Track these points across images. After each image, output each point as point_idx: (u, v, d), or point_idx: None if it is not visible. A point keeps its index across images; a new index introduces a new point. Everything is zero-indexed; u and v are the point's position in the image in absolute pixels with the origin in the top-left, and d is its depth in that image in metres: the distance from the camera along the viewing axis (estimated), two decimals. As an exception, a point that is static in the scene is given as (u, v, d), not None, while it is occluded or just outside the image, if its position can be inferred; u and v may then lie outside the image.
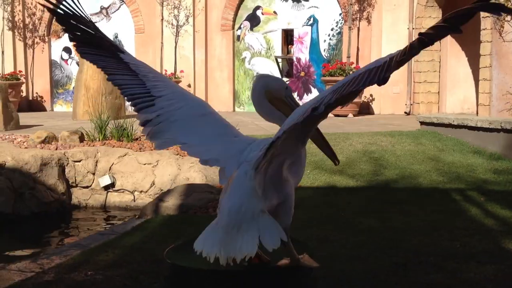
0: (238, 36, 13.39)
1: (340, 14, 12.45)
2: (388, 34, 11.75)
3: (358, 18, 12.11)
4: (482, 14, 9.18)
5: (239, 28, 13.35)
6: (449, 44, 11.53)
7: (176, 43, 12.82)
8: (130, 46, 14.18)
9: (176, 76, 12.62)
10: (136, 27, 13.88)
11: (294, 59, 12.99)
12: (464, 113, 10.87)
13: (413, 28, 11.41)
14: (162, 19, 13.03)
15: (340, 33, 12.52)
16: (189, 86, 13.07)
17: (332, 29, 12.67)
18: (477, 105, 9.58)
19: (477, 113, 9.55)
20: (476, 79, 10.16)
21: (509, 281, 2.86)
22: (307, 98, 12.88)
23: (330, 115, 10.99)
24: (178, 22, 12.80)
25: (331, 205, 4.57)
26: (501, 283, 2.82)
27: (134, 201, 5.98)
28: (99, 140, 6.82)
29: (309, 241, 3.51)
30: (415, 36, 11.31)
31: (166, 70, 12.63)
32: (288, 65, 13.29)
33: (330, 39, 12.70)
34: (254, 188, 1.82)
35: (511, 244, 3.44)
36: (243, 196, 1.82)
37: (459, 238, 3.56)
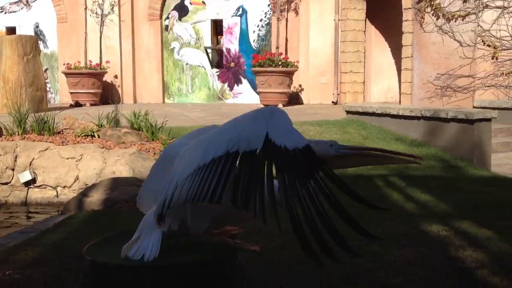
0: (167, 26, 13.17)
1: (269, 5, 12.51)
2: (316, 25, 11.94)
3: (286, 9, 12.22)
4: (404, 5, 9.52)
5: (167, 18, 13.13)
6: (373, 35, 11.87)
7: (101, 32, 12.42)
8: (52, 36, 13.62)
9: (102, 67, 12.25)
10: (59, 16, 13.33)
11: (224, 49, 12.94)
12: (388, 102, 11.26)
13: (339, 20, 11.64)
14: (86, 8, 12.58)
15: (269, 24, 12.58)
16: (115, 77, 12.73)
17: (261, 20, 12.72)
18: (400, 94, 9.96)
19: (400, 101, 9.93)
20: (399, 69, 10.54)
21: (428, 262, 2.97)
22: (237, 88, 12.89)
23: (260, 105, 11.06)
24: (102, 11, 12.39)
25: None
26: (420, 264, 2.93)
27: (57, 197, 5.76)
28: (18, 134, 6.50)
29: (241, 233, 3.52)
30: (341, 27, 11.58)
31: (90, 61, 12.23)
32: (218, 55, 13.22)
33: (259, 30, 12.73)
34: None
35: (430, 227, 3.58)
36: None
37: (381, 222, 3.66)
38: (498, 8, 8.24)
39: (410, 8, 9.34)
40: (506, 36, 8.24)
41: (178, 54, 13.13)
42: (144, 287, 1.84)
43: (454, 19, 8.51)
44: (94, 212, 4.27)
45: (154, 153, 5.74)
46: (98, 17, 12.43)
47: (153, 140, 6.32)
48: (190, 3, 12.99)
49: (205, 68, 13.08)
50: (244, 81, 12.82)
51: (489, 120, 5.99)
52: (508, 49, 8.25)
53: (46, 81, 12.63)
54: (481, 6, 8.28)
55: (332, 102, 11.82)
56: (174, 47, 13.12)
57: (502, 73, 8.27)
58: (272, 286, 2.74)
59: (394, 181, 4.96)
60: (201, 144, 1.65)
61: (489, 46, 8.30)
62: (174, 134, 6.64)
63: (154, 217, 1.75)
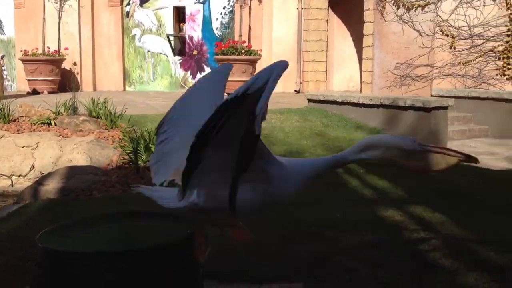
0: (128, 13, 12.93)
1: (232, -8, 12.43)
2: (279, 13, 11.93)
3: (249, -3, 12.16)
4: (365, -5, 9.60)
5: (128, 4, 12.89)
6: (335, 24, 11.95)
7: (59, 19, 12.09)
8: (9, 22, 13.20)
9: (60, 53, 11.95)
10: (16, 1, 12.92)
11: (187, 37, 12.80)
12: (349, 91, 11.38)
13: (302, 8, 11.67)
14: (44, -7, 12.23)
15: (232, 12, 12.51)
16: (74, 64, 12.45)
17: (224, 8, 12.62)
18: (361, 82, 10.07)
19: (360, 90, 10.05)
20: (360, 58, 10.65)
21: (384, 246, 3.03)
22: (200, 76, 12.78)
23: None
24: (61, -4, 12.08)
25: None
26: (378, 248, 2.99)
27: (12, 186, 5.61)
28: (-29, 122, 6.30)
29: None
30: (304, 16, 11.61)
31: (49, 48, 11.91)
32: (180, 43, 13.08)
33: (222, 17, 12.65)
34: None
35: (387, 212, 3.65)
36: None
37: (340, 208, 3.72)
38: (456, -2, 8.42)
39: (371, -3, 9.43)
40: (463, 26, 8.42)
41: (140, 41, 12.93)
42: (98, 274, 1.81)
43: (414, 9, 8.65)
44: (50, 201, 4.18)
45: (113, 141, 5.66)
46: (56, 3, 12.09)
47: (112, 128, 6.22)
48: (152, -11, 12.79)
49: (167, 56, 12.92)
50: (207, 69, 12.73)
51: (445, 108, 6.13)
52: (465, 39, 8.44)
53: (3, 68, 12.27)
54: (439, -4, 8.43)
55: (295, 90, 11.88)
56: (135, 34, 12.91)
57: (459, 63, 8.46)
58: (236, 271, 2.74)
59: (353, 168, 5.03)
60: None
61: (447, 35, 8.48)
62: (134, 122, 6.56)
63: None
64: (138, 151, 5.02)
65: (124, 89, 12.94)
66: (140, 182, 4.63)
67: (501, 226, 3.35)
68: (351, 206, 3.80)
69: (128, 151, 5.09)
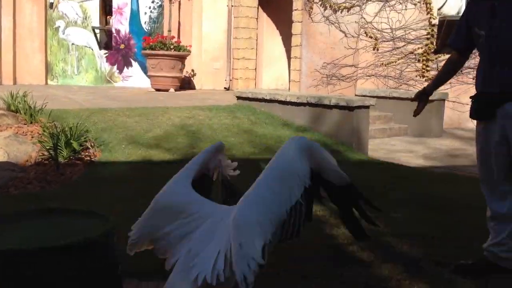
0: (51, 4, 12.42)
1: (161, -13, 12.26)
2: (209, 10, 11.89)
3: (178, -8, 12.04)
4: (293, -5, 9.75)
5: (52, -5, 12.40)
6: (265, 23, 12.06)
7: (-24, 7, 11.46)
8: None
9: (-22, 44, 11.32)
10: None
11: (113, 30, 12.48)
12: (278, 89, 11.53)
13: (232, 5, 11.69)
14: (-41, -21, 11.53)
15: (161, 6, 12.33)
16: (-7, 56, 11.83)
17: (153, 2, 12.42)
18: (289, 81, 10.23)
19: (289, 88, 10.21)
20: (289, 57, 10.81)
21: (306, 240, 3.10)
22: (127, 71, 12.53)
23: (151, 89, 10.84)
24: (-22, -17, 11.43)
25: (145, 180, 4.51)
26: (298, 242, 3.04)
27: None
28: None
29: (118, 216, 3.44)
30: (233, 13, 11.63)
31: (-35, 38, 11.26)
32: (106, 36, 12.74)
33: (151, 11, 12.44)
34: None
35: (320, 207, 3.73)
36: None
37: (263, 204, 3.76)
38: (380, 1, 8.71)
39: (299, -3, 9.60)
40: (386, 29, 8.74)
41: (63, 34, 12.46)
42: (11, 271, 1.76)
43: (340, 10, 8.88)
44: (-39, 198, 3.96)
45: (32, 137, 5.43)
46: (-27, -10, 11.45)
47: (31, 123, 5.97)
48: (77, -20, 12.38)
49: (92, 49, 12.54)
50: (135, 64, 12.49)
51: (367, 107, 6.34)
52: (387, 41, 8.76)
53: None
54: (364, -1, 8.70)
55: (225, 88, 11.89)
56: (59, 26, 12.44)
57: (382, 64, 8.78)
58: (156, 270, 2.71)
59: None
60: (266, 199, 1.75)
61: (371, 37, 8.77)
62: (56, 117, 6.32)
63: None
64: (59, 147, 4.85)
65: (46, 83, 12.43)
66: (60, 179, 4.48)
67: (414, 220, 3.52)
68: (275, 202, 3.85)
69: (47, 147, 4.90)
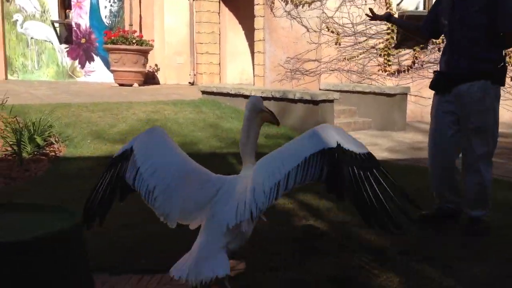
0: (8, -4, 12.11)
1: (121, -20, 12.08)
2: (170, 3, 11.79)
3: (139, -15, 11.90)
4: (256, -11, 9.78)
5: (9, -13, 12.07)
6: (227, 17, 12.05)
7: None
8: None
9: None
10: None
11: (73, 24, 12.25)
12: (242, 84, 11.55)
13: (193, 0, 11.63)
14: None
15: (121, 0, 12.16)
16: None
17: (113, -5, 12.26)
18: (254, 76, 10.26)
19: (253, 83, 10.24)
20: (252, 52, 10.83)
21: (274, 232, 3.15)
22: (89, 66, 12.32)
23: (114, 84, 10.70)
24: None
25: (112, 175, 4.48)
26: (266, 235, 3.09)
27: None
28: None
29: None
30: (195, 7, 11.58)
31: None
32: (66, 30, 12.49)
33: (111, 5, 12.26)
34: (222, 236, 2.24)
35: (279, 200, 3.78)
36: (212, 238, 2.25)
37: (232, 197, 3.79)
38: (342, -3, 8.84)
39: (261, -8, 9.62)
40: (347, 24, 8.87)
41: (22, 27, 12.16)
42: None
43: (301, 5, 8.95)
44: None
45: (-7, 133, 5.30)
46: None
47: (-8, 118, 5.82)
48: (35, -27, 12.09)
49: (52, 44, 12.27)
50: (97, 58, 12.29)
51: (331, 101, 6.44)
52: (349, 36, 8.90)
53: None
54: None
55: (189, 82, 11.83)
56: (17, 20, 12.12)
57: (344, 58, 8.91)
58: (125, 265, 2.71)
59: (246, 159, 5.14)
60: (290, 149, 2.35)
61: (332, 32, 8.88)
62: (17, 112, 6.19)
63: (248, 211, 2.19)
64: (22, 142, 4.76)
65: (6, 78, 12.12)
66: (25, 175, 4.40)
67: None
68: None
69: (11, 142, 4.80)
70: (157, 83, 12.04)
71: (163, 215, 2.36)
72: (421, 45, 8.86)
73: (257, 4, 9.75)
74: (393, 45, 8.84)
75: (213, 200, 2.36)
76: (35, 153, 4.84)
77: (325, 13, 8.80)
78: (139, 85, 10.91)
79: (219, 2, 11.77)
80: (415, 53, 8.85)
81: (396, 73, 8.90)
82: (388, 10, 8.80)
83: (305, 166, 2.23)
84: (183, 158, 2.59)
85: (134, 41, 10.62)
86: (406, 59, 8.91)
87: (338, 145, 2.20)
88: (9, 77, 12.20)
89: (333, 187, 2.24)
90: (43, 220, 2.07)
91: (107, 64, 11.57)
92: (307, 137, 2.31)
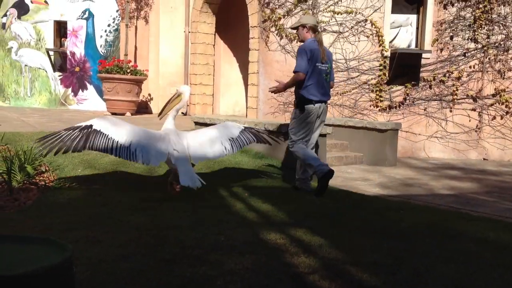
0: (4, 24, 12.18)
1: (117, 11, 12.21)
2: (166, 35, 11.92)
3: (135, 17, 12.04)
4: (251, 23, 9.91)
5: (5, 15, 12.15)
6: (222, 50, 12.18)
7: None
8: None
9: None
10: None
11: (68, 53, 12.32)
12: (235, 115, 11.59)
13: (189, 32, 11.76)
14: None
15: (117, 30, 12.28)
16: None
17: (109, 25, 12.36)
18: (247, 108, 10.31)
19: (246, 115, 10.28)
20: (246, 84, 10.92)
21: (265, 268, 3.11)
22: (82, 94, 12.33)
23: (107, 113, 10.69)
24: None
25: (102, 205, 4.44)
26: (258, 271, 3.05)
27: None
28: None
29: (77, 242, 3.36)
30: (191, 39, 11.70)
31: None
32: (61, 58, 12.54)
33: (107, 35, 12.36)
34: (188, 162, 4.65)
35: (269, 235, 3.74)
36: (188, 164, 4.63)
37: (223, 231, 3.75)
38: (334, 32, 8.97)
39: (257, 27, 9.76)
40: (340, 59, 8.99)
41: (16, 55, 12.21)
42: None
43: (295, 40, 9.07)
44: None
45: (-16, 160, 5.25)
46: None
47: (-17, 146, 5.78)
48: (31, 2, 12.20)
49: (46, 71, 12.31)
50: (90, 87, 12.32)
51: (324, 136, 6.45)
52: (342, 71, 9.00)
53: None
54: (319, 29, 8.94)
55: (182, 113, 11.87)
56: (12, 47, 12.18)
57: (337, 93, 8.99)
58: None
59: (237, 191, 5.12)
60: (225, 128, 5.14)
61: (326, 67, 8.98)
62: (9, 140, 6.15)
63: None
64: (12, 171, 4.71)
65: (-3, 104, 12.11)
66: (14, 204, 4.34)
67: (373, 248, 3.59)
68: (235, 229, 3.85)
69: (0, 171, 4.75)
70: (150, 112, 12.07)
71: (145, 162, 4.28)
72: (413, 82, 8.97)
73: (252, 38, 9.88)
74: (385, 81, 8.94)
75: (169, 145, 4.54)
76: (25, 182, 4.79)
77: (319, 48, 8.91)
78: (132, 114, 10.92)
79: (215, 34, 11.90)
80: (407, 90, 8.96)
81: (388, 109, 8.98)
82: (381, 47, 8.95)
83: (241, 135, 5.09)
84: (139, 128, 4.46)
85: (128, 70, 10.68)
86: (398, 96, 9.01)
87: (244, 127, 5.22)
88: (1, 103, 12.19)
89: (258, 141, 5.30)
90: (32, 252, 2.03)
91: (100, 93, 11.60)
92: (230, 126, 5.18)
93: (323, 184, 5.05)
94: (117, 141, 4.14)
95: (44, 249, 2.05)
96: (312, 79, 5.06)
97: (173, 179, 4.75)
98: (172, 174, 4.74)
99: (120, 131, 4.20)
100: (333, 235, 3.80)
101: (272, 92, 5.38)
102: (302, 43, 5.26)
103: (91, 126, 4.11)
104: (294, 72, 5.12)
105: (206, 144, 4.77)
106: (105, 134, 4.09)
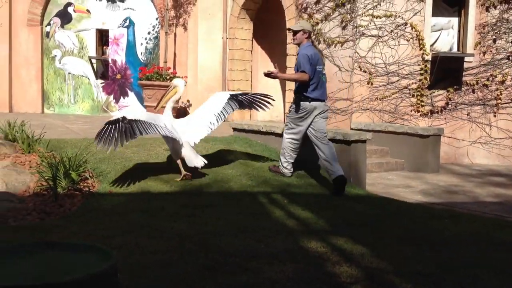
0: (48, 33, 12.55)
1: (157, 19, 12.41)
2: (204, 41, 12.04)
3: (174, 24, 12.20)
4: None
5: (49, 24, 12.52)
6: (260, 55, 12.21)
7: (-26, 35, 11.56)
8: None
9: (-26, 72, 11.38)
10: None
11: (110, 60, 12.58)
12: (273, 121, 11.59)
13: (227, 38, 11.85)
14: (-43, 8, 11.64)
15: (157, 38, 12.47)
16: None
17: (149, 33, 12.57)
18: (285, 113, 10.30)
19: (284, 121, 10.26)
20: (284, 89, 10.91)
21: (306, 277, 3.09)
22: (123, 101, 12.57)
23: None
24: (-23, 12, 11.55)
25: (144, 211, 4.50)
26: (299, 280, 3.04)
27: None
28: None
29: (120, 249, 3.41)
30: (229, 45, 11.79)
31: (-39, 65, 11.31)
32: (103, 66, 12.83)
33: (147, 42, 12.57)
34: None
35: (310, 243, 3.72)
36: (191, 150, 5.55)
37: (263, 239, 3.76)
38: (373, 36, 8.88)
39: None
40: (380, 63, 8.89)
41: (60, 63, 12.55)
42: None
43: (333, 45, 9.02)
44: (-41, 230, 3.92)
45: (30, 167, 5.40)
46: (-29, 19, 11.57)
47: (29, 152, 5.95)
48: (74, 11, 12.51)
49: (89, 79, 12.61)
50: (131, 94, 12.54)
51: (364, 141, 6.38)
52: (381, 76, 8.90)
53: None
54: (358, 34, 8.86)
55: (219, 118, 11.93)
56: (56, 55, 12.53)
57: (377, 98, 8.89)
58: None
59: (276, 198, 5.11)
60: (210, 106, 5.90)
61: (365, 72, 8.90)
62: (54, 146, 6.32)
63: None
64: (58, 178, 4.84)
65: (43, 111, 12.46)
66: (59, 210, 4.45)
67: (416, 257, 3.52)
68: (275, 236, 3.84)
69: (46, 177, 4.88)
70: (189, 118, 12.19)
71: (174, 137, 5.25)
72: (455, 86, 8.79)
73: (289, 43, 9.87)
74: (426, 86, 8.79)
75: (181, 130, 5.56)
76: (70, 188, 4.91)
77: (358, 53, 8.84)
78: (171, 120, 11.06)
79: (252, 40, 11.95)
80: (449, 94, 8.78)
81: (429, 114, 8.82)
82: (422, 51, 8.80)
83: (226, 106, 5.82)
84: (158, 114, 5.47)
85: (168, 77, 10.82)
86: (440, 100, 8.84)
87: (231, 94, 5.94)
88: (46, 110, 12.54)
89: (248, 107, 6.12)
90: (78, 259, 2.07)
91: (140, 100, 11.80)
92: (221, 95, 5.98)
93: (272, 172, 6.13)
94: (152, 124, 4.93)
95: (90, 256, 2.09)
96: (315, 80, 5.68)
97: (176, 161, 5.60)
98: (174, 160, 5.62)
99: (146, 116, 5.03)
100: (375, 243, 3.75)
101: (265, 75, 5.70)
102: (299, 47, 5.89)
103: (124, 118, 4.68)
104: (302, 71, 5.59)
105: (197, 128, 5.73)
106: (141, 121, 4.79)
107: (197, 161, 5.40)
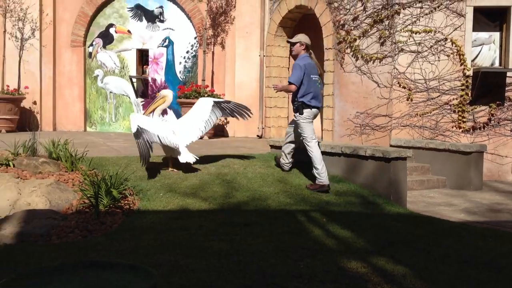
0: (90, 53, 12.91)
1: (195, 38, 12.60)
2: (241, 59, 12.14)
3: (212, 43, 12.36)
4: (326, 45, 9.91)
5: (91, 45, 12.88)
6: (297, 72, 12.21)
7: (20, 57, 11.98)
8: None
9: (20, 92, 11.77)
10: (-25, 38, 12.73)
11: (150, 79, 12.83)
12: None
13: (264, 56, 11.92)
14: (5, 31, 12.09)
15: (195, 56, 12.66)
16: (34, 103, 12.25)
17: (187, 52, 12.77)
18: (322, 130, 10.25)
19: (321, 138, 10.21)
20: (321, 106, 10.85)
21: (346, 298, 3.05)
22: (163, 119, 12.74)
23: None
24: (23, 35, 11.98)
25: (183, 229, 4.53)
26: (339, 300, 2.99)
27: (-35, 229, 5.37)
28: None
29: (159, 267, 3.45)
30: (266, 63, 11.86)
31: (8, 86, 11.72)
32: (143, 85, 13.09)
33: (185, 61, 12.77)
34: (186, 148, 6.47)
35: (349, 263, 3.67)
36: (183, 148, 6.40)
37: (303, 258, 3.72)
38: (413, 52, 8.77)
39: (331, 49, 9.73)
40: (419, 79, 8.76)
41: (102, 82, 12.88)
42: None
43: (372, 61, 8.95)
44: (6, 246, 4.03)
45: (73, 184, 5.53)
46: (17, 41, 12.00)
47: (72, 170, 6.10)
48: (115, 32, 12.84)
49: (129, 97, 12.89)
50: (170, 112, 12.70)
51: (404, 159, 6.28)
52: (421, 91, 8.76)
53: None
54: (396, 49, 8.77)
55: (257, 135, 11.98)
56: (98, 75, 12.87)
57: (417, 114, 8.75)
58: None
59: (315, 217, 5.07)
60: (198, 112, 6.88)
61: (404, 88, 8.78)
62: (96, 164, 6.46)
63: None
64: (99, 195, 4.94)
65: (85, 130, 12.77)
66: (101, 228, 4.53)
67: (460, 280, 3.42)
68: (314, 255, 3.81)
69: (88, 195, 4.99)
70: (226, 135, 12.28)
71: (174, 144, 6.15)
72: (498, 102, 8.59)
73: (327, 60, 9.86)
74: (468, 102, 8.61)
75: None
76: (111, 205, 5.00)
77: (397, 69, 8.75)
78: (209, 137, 11.16)
79: (289, 57, 11.99)
80: (491, 110, 8.58)
81: (471, 130, 8.62)
82: (463, 66, 8.65)
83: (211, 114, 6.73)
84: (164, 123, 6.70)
85: (206, 95, 10.95)
86: (482, 116, 8.64)
87: (214, 101, 6.83)
88: (88, 129, 12.85)
89: (230, 115, 6.87)
90: (120, 278, 2.10)
91: (179, 117, 11.94)
92: (206, 102, 6.94)
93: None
94: (160, 135, 6.05)
95: (131, 275, 2.12)
96: (310, 88, 6.06)
97: (170, 158, 6.59)
98: (170, 157, 6.58)
99: (158, 127, 6.22)
100: (417, 264, 3.67)
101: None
102: (296, 58, 6.30)
103: (140, 132, 5.88)
104: (289, 82, 6.11)
105: (189, 132, 6.61)
106: (154, 134, 5.99)
107: (189, 157, 6.26)
